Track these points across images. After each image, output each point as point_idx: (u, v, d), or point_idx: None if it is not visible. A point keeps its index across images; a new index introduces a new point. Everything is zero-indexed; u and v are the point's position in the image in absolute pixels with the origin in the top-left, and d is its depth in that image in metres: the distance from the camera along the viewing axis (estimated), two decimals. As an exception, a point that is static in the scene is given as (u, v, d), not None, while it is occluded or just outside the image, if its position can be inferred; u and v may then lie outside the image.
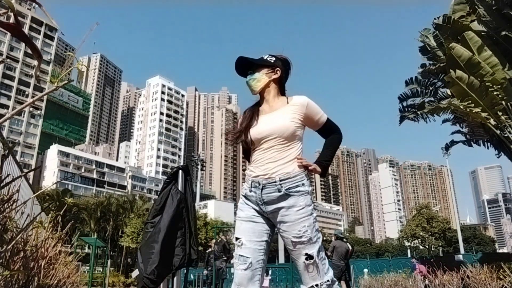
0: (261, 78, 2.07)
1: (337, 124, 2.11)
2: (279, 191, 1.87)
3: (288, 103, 2.04)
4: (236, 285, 1.86)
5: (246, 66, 2.12)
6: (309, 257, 1.80)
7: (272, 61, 2.10)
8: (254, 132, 2.00)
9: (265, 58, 2.12)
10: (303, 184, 1.89)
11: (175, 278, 2.65)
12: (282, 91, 2.13)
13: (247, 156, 2.12)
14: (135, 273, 2.51)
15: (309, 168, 1.93)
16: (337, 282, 1.88)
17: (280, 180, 1.88)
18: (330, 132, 2.07)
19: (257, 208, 1.95)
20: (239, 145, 2.12)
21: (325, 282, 1.82)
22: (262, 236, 1.90)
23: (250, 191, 1.96)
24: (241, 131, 2.05)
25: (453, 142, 14.45)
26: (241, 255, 1.87)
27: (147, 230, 2.54)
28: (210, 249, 11.51)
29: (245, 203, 1.99)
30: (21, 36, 0.94)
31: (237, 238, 1.93)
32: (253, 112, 2.09)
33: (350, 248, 9.52)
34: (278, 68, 2.09)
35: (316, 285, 1.81)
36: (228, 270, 12.24)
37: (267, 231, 1.93)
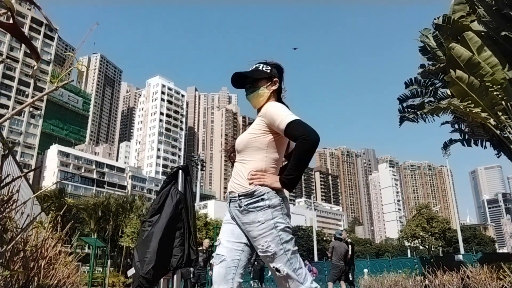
0: (263, 93, 2.01)
1: (308, 126, 1.77)
2: (240, 206, 1.87)
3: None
4: (213, 283, 1.89)
5: (242, 79, 2.06)
6: (277, 270, 1.78)
7: (269, 71, 2.02)
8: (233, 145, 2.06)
9: (260, 68, 2.03)
10: (262, 199, 1.83)
11: (175, 278, 2.65)
12: (279, 99, 2.07)
13: None
14: (131, 271, 2.50)
15: (254, 182, 1.86)
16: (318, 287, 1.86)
17: (239, 196, 1.88)
18: (294, 140, 1.80)
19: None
20: None
21: None
22: (241, 238, 1.91)
23: (227, 203, 2.01)
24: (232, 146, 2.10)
25: (451, 141, 14.42)
26: (217, 254, 1.91)
27: (144, 229, 2.54)
28: (200, 248, 11.22)
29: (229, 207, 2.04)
30: (20, 36, 0.94)
31: (218, 239, 1.97)
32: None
33: (348, 248, 9.44)
34: (276, 78, 2.03)
35: None
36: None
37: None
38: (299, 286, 1.80)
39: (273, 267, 1.79)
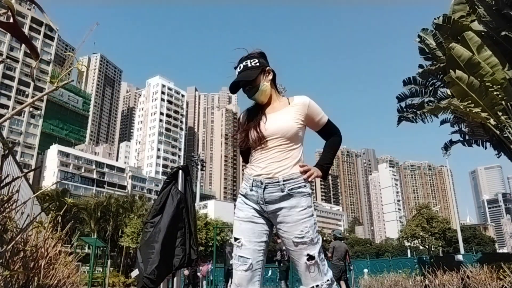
0: (266, 87, 2.01)
1: (337, 126, 2.11)
2: (282, 191, 1.87)
3: (289, 103, 2.03)
4: (235, 286, 1.85)
5: (238, 83, 2.04)
6: (310, 257, 1.80)
7: (258, 64, 2.01)
8: (258, 131, 1.96)
9: (250, 66, 2.00)
10: (305, 186, 1.90)
11: (175, 278, 2.66)
12: (276, 87, 2.10)
13: (245, 156, 2.10)
14: (135, 273, 2.51)
15: (309, 178, 1.94)
16: (335, 283, 1.88)
17: (284, 180, 1.88)
18: (330, 134, 2.08)
19: (257, 207, 1.92)
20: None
21: (325, 282, 1.83)
22: (261, 237, 1.89)
23: (251, 190, 1.93)
24: (246, 131, 2.01)
25: (452, 142, 14.44)
26: (241, 256, 1.86)
27: (146, 230, 2.54)
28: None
29: (244, 203, 1.96)
30: (20, 36, 0.94)
31: (236, 239, 1.91)
32: (255, 112, 2.05)
33: (347, 248, 9.46)
34: (267, 67, 2.03)
35: (317, 285, 1.82)
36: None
37: (266, 232, 1.92)
38: (324, 277, 1.84)
39: (307, 254, 1.82)
